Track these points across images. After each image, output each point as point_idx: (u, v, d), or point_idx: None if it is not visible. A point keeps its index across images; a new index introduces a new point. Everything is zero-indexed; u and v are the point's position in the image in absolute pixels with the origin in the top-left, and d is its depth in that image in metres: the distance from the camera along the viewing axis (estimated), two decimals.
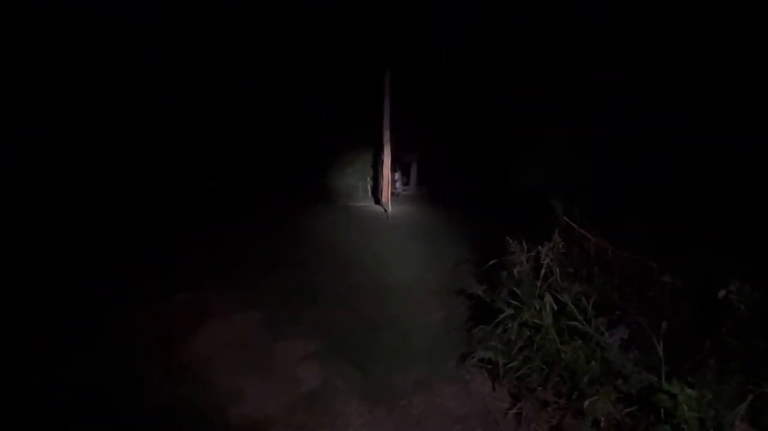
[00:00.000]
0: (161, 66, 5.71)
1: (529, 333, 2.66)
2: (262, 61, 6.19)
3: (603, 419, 2.22)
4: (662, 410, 2.06)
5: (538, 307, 2.66)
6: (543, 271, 2.75)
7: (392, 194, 6.12)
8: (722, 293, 2.31)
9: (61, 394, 2.39)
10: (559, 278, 2.70)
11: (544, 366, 2.54)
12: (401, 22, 5.61)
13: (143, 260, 4.10)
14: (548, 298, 2.61)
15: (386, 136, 5.97)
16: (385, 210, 6.02)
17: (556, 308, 2.59)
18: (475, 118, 6.11)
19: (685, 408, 1.98)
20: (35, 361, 2.66)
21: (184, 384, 2.52)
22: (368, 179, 6.84)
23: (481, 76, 5.96)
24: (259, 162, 6.56)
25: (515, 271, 2.95)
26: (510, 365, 2.60)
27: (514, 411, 2.44)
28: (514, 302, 2.80)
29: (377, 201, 6.30)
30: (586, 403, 2.24)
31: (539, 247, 2.87)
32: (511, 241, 3.09)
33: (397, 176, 6.51)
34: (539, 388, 2.49)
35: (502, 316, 2.77)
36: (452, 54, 6.07)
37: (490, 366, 2.71)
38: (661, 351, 2.22)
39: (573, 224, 3.20)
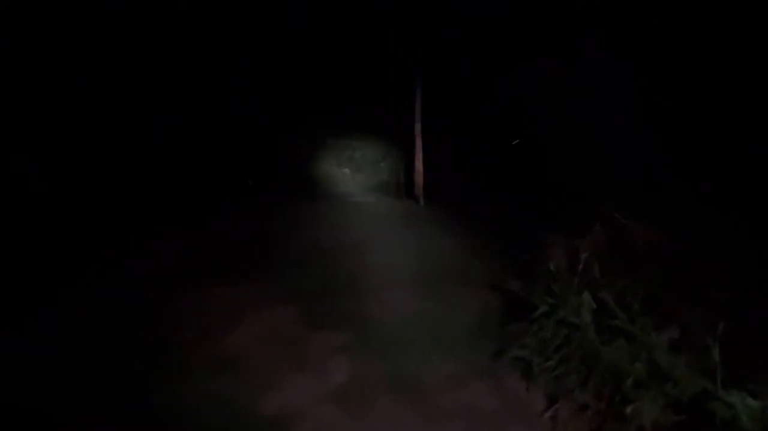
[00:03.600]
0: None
1: (566, 332, 2.51)
2: (293, 56, 6.22)
3: (649, 426, 2.06)
4: (718, 420, 1.87)
5: (576, 304, 2.51)
6: (581, 266, 2.58)
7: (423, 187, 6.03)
8: None
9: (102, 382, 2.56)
10: (598, 274, 2.52)
11: (582, 367, 2.39)
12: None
13: (184, 252, 4.34)
14: (586, 295, 2.45)
15: (417, 128, 5.89)
16: (418, 203, 5.96)
17: (595, 306, 2.42)
18: (495, 106, 5.90)
19: (746, 420, 1.78)
20: (73, 353, 2.82)
21: (223, 374, 2.63)
22: (401, 173, 6.80)
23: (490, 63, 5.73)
24: (293, 160, 6.71)
25: (552, 266, 2.81)
26: (545, 364, 2.48)
27: (550, 413, 2.32)
28: (550, 298, 2.66)
29: (409, 195, 6.25)
30: (629, 408, 2.08)
31: (577, 240, 2.70)
32: (546, 234, 2.94)
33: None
34: (577, 390, 2.35)
35: (537, 313, 2.64)
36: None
37: (524, 365, 2.60)
38: (718, 355, 2.02)
39: (616, 215, 2.98)
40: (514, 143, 5.64)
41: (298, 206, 5.85)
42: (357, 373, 2.61)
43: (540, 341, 2.58)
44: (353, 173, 6.96)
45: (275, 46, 6.07)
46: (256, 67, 6.09)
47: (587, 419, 2.24)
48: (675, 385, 2.05)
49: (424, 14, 5.47)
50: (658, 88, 3.88)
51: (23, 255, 4.09)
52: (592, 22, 4.55)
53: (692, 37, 3.65)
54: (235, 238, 4.88)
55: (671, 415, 2.06)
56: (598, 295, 2.51)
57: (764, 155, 2.96)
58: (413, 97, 5.80)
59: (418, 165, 5.94)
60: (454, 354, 2.79)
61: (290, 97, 6.34)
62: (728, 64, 3.42)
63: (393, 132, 6.42)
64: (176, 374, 2.60)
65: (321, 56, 6.09)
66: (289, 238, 4.81)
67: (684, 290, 2.48)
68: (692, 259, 2.63)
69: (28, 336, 3.00)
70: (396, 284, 3.75)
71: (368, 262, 4.22)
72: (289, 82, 6.25)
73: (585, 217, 3.21)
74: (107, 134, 5.48)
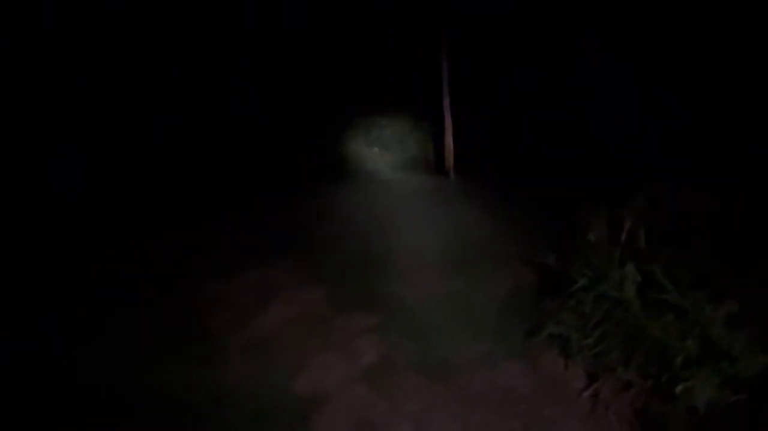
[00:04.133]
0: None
1: (607, 307, 2.34)
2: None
3: (702, 406, 1.88)
4: None
5: (618, 277, 2.32)
6: (624, 235, 2.37)
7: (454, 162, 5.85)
8: None
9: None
10: (643, 244, 2.30)
11: (625, 344, 2.22)
12: None
13: (214, 238, 4.49)
14: (630, 267, 2.25)
15: (446, 103, 5.66)
16: (449, 178, 5.80)
17: (640, 278, 2.22)
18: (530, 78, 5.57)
19: None
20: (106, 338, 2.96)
21: (254, 356, 2.71)
22: (430, 148, 6.62)
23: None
24: (322, 141, 6.70)
25: (591, 237, 2.61)
26: (585, 341, 2.33)
27: (590, 392, 2.19)
28: (589, 272, 2.48)
29: (440, 170, 6.08)
30: (680, 387, 1.92)
31: (619, 210, 2.48)
32: (583, 206, 2.73)
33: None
34: (620, 367, 2.20)
35: (575, 287, 2.48)
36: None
37: (561, 343, 2.46)
38: None
39: (663, 180, 2.70)
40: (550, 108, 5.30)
41: (326, 188, 5.87)
42: (386, 354, 2.60)
43: (578, 316, 2.43)
44: (382, 152, 6.86)
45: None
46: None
47: (631, 398, 2.10)
48: (733, 363, 1.86)
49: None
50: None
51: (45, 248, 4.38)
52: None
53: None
54: (266, 222, 4.98)
55: (729, 394, 1.87)
56: (643, 267, 2.30)
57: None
58: (438, 75, 5.58)
59: (448, 140, 5.75)
60: (485, 333, 2.70)
61: (304, 86, 6.32)
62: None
63: (421, 108, 6.23)
64: (209, 357, 2.71)
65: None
66: (318, 219, 4.83)
67: (739, 262, 2.21)
68: (746, 230, 2.33)
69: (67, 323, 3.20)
70: (425, 263, 3.68)
71: (397, 242, 4.17)
72: (300, 76, 6.21)
73: (625, 188, 2.96)
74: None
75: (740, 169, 3.00)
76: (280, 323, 3.01)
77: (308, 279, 3.55)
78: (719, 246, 2.55)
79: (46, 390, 2.50)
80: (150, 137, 5.75)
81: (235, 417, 2.28)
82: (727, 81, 3.29)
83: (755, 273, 2.30)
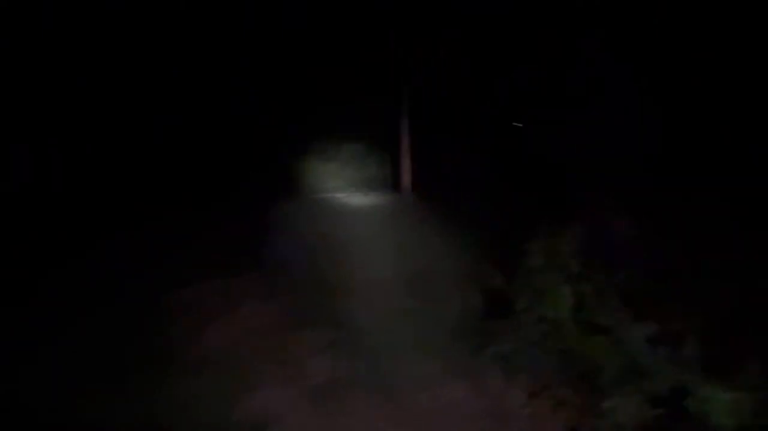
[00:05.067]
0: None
1: (545, 328, 2.48)
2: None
3: (626, 421, 2.03)
4: (694, 414, 1.85)
5: (555, 299, 2.47)
6: (560, 260, 2.55)
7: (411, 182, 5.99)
8: None
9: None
10: (577, 267, 2.48)
11: (561, 363, 2.36)
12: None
13: (166, 251, 4.26)
14: (566, 289, 2.41)
15: (404, 124, 5.82)
16: (406, 198, 5.92)
17: (573, 300, 2.39)
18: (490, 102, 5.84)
19: (721, 414, 1.75)
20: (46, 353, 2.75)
21: (199, 375, 2.57)
22: (389, 167, 6.74)
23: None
24: (280, 156, 6.62)
25: (532, 260, 2.77)
26: (524, 360, 2.44)
27: (529, 409, 2.29)
28: (530, 293, 2.63)
29: (398, 189, 6.20)
30: (606, 404, 2.06)
31: (559, 233, 2.66)
32: (531, 228, 2.90)
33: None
34: (555, 385, 2.32)
35: (516, 309, 2.60)
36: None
37: (504, 361, 2.56)
38: (696, 349, 1.99)
39: (597, 207, 2.94)
40: (505, 132, 5.57)
41: (283, 203, 5.78)
42: (336, 374, 2.57)
43: (519, 337, 2.54)
44: (341, 168, 6.89)
45: (275, 46, 6.02)
46: (256, 67, 6.03)
47: (566, 414, 2.21)
48: (652, 380, 2.02)
49: (424, 14, 5.40)
50: (659, 87, 3.83)
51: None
52: (592, 22, 4.47)
53: (692, 38, 3.62)
54: (219, 236, 4.79)
55: (648, 410, 2.03)
56: (577, 289, 2.48)
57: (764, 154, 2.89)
58: (402, 94, 5.74)
59: (405, 161, 5.89)
60: (434, 352, 2.75)
61: (284, 97, 6.27)
62: (728, 65, 3.39)
63: (382, 128, 6.36)
64: (150, 379, 2.53)
65: (321, 56, 6.03)
66: (273, 235, 4.73)
67: (664, 285, 2.44)
68: (674, 254, 2.59)
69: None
70: (380, 282, 3.69)
71: (353, 260, 4.16)
72: (283, 83, 6.17)
73: (570, 212, 3.18)
74: (106, 133, 5.34)
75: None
76: (229, 342, 2.89)
77: (261, 296, 3.44)
78: (646, 271, 2.77)
79: None
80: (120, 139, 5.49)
81: None
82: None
83: (676, 296, 2.54)
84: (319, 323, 3.07)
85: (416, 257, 4.16)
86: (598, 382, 2.15)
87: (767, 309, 2.06)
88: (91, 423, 2.24)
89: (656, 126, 3.81)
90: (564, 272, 2.53)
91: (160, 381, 2.50)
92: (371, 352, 2.77)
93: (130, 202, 5.23)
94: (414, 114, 5.78)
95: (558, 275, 2.54)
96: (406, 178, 5.85)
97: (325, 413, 2.30)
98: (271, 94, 6.22)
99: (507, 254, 3.35)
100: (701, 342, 2.05)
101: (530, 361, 2.42)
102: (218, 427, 2.21)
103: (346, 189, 6.53)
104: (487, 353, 2.57)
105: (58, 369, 2.58)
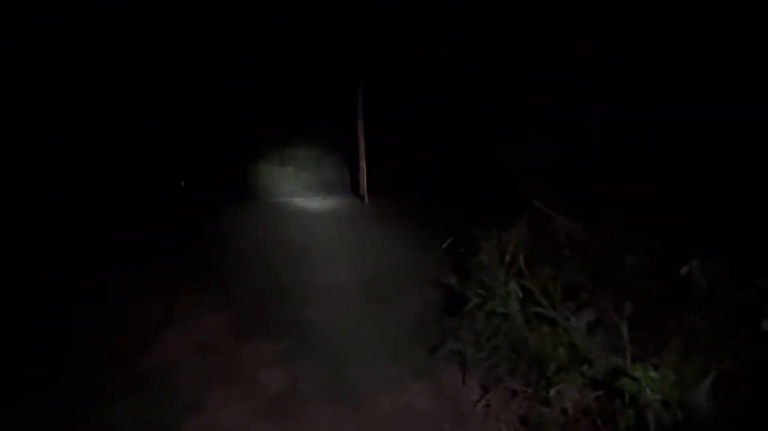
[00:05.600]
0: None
1: (496, 322, 2.60)
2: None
3: (570, 406, 2.18)
4: (626, 394, 2.02)
5: (504, 294, 2.60)
6: (508, 257, 2.68)
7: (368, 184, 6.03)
8: (685, 269, 2.26)
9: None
10: (523, 264, 2.63)
11: (512, 355, 2.49)
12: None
13: (114, 260, 4.01)
14: (513, 285, 2.55)
15: (360, 126, 5.86)
16: (363, 201, 5.95)
17: (521, 295, 2.53)
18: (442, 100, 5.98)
19: (648, 391, 1.93)
20: None
21: (145, 392, 2.43)
22: (346, 170, 6.74)
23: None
24: (234, 159, 6.42)
25: (483, 258, 2.89)
26: (478, 356, 2.55)
27: (483, 403, 2.39)
28: (481, 290, 2.74)
29: (355, 192, 6.21)
30: (552, 391, 2.20)
31: (505, 233, 2.80)
32: (479, 227, 3.03)
33: None
34: (508, 378, 2.44)
35: (469, 305, 2.71)
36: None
37: (460, 358, 2.66)
38: (626, 333, 2.18)
39: (542, 207, 3.13)
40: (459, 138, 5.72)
41: (238, 208, 5.60)
42: (292, 383, 2.54)
43: (473, 332, 2.65)
44: (297, 171, 6.80)
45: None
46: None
47: (516, 405, 2.34)
48: (591, 366, 2.19)
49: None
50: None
51: None
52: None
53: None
54: (170, 243, 4.58)
55: (589, 393, 2.19)
56: (524, 284, 2.62)
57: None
58: (356, 94, 5.76)
59: (362, 163, 5.92)
60: (392, 354, 2.79)
61: (230, 93, 6.10)
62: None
63: (338, 130, 6.34)
64: (91, 395, 2.38)
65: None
66: (227, 242, 4.59)
67: (600, 277, 2.65)
68: (609, 249, 2.81)
69: None
70: (337, 286, 3.70)
71: (310, 264, 4.13)
72: (229, 80, 6.00)
73: (519, 211, 3.34)
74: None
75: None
76: (176, 355, 2.76)
77: (212, 305, 3.33)
78: (584, 265, 2.98)
79: None
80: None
81: None
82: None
83: (610, 286, 2.76)
84: (274, 332, 3.02)
85: (374, 260, 4.20)
86: (546, 372, 2.29)
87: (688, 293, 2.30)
88: None
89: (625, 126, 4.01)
90: (512, 269, 2.67)
91: (97, 400, 2.35)
92: (329, 358, 2.76)
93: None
94: (372, 116, 5.83)
95: (506, 272, 2.67)
96: (363, 181, 5.89)
97: (283, 424, 2.26)
98: (219, 93, 6.07)
99: (462, 253, 3.48)
100: (632, 327, 2.23)
101: (484, 356, 2.53)
102: None
103: (302, 193, 6.46)
104: (443, 351, 2.64)
105: None
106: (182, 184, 5.91)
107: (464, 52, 5.61)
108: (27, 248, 4.19)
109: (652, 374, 1.97)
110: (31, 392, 2.42)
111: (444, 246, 3.13)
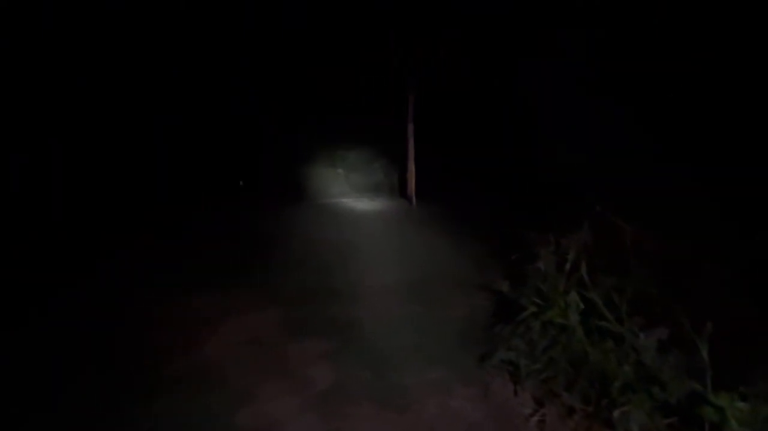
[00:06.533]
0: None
1: (554, 333, 2.45)
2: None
3: (637, 430, 1.99)
4: (707, 424, 1.80)
5: (563, 305, 2.44)
6: (568, 265, 2.51)
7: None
8: None
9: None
10: (585, 273, 2.45)
11: (570, 369, 2.32)
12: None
13: (169, 257, 4.30)
14: (573, 295, 2.38)
15: (410, 129, 5.84)
16: (411, 204, 5.92)
17: (582, 306, 2.35)
18: (492, 107, 5.80)
19: (735, 424, 1.71)
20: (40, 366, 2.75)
21: (200, 385, 2.56)
22: (394, 173, 6.75)
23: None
24: (287, 160, 6.66)
25: (540, 266, 2.74)
26: (533, 367, 2.41)
27: (537, 417, 2.25)
28: (538, 299, 2.60)
29: (403, 195, 6.20)
30: (616, 412, 2.02)
31: (565, 239, 2.63)
32: (538, 233, 2.88)
33: None
34: (565, 393, 2.28)
35: (524, 314, 2.57)
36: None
37: (512, 368, 2.53)
38: (707, 356, 1.95)
39: (604, 212, 2.90)
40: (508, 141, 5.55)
41: (289, 208, 5.80)
42: (339, 381, 2.55)
43: (528, 343, 2.51)
44: (347, 173, 6.92)
45: (275, 46, 6.04)
46: (257, 67, 6.07)
47: (575, 423, 2.18)
48: (663, 388, 1.98)
49: (424, 14, 5.40)
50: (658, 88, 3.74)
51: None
52: (591, 21, 4.41)
53: (692, 37, 3.53)
54: (223, 241, 4.84)
55: (660, 419, 1.98)
56: (586, 295, 2.44)
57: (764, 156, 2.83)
58: (407, 98, 5.76)
59: (411, 166, 5.90)
60: (440, 358, 2.72)
61: (289, 97, 6.31)
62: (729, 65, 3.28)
63: (387, 133, 6.38)
64: (150, 386, 2.53)
65: (321, 56, 6.05)
66: (278, 240, 4.76)
67: (673, 290, 2.40)
68: (682, 259, 2.55)
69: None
70: (385, 287, 3.69)
71: (357, 265, 4.17)
72: (288, 83, 6.21)
73: (576, 216, 3.15)
74: (106, 133, 5.47)
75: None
76: (230, 349, 2.88)
77: (263, 302, 3.45)
78: (654, 276, 2.73)
79: None
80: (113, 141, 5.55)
81: None
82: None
83: (686, 301, 2.50)
84: (322, 330, 3.06)
85: (421, 262, 4.16)
86: (608, 390, 2.11)
87: None
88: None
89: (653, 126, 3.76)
90: (573, 277, 2.50)
91: (156, 392, 2.48)
92: (377, 359, 2.75)
93: (129, 207, 5.32)
94: (420, 119, 5.79)
95: (566, 281, 2.51)
96: (412, 183, 5.86)
97: (330, 421, 2.28)
98: (274, 97, 6.30)
99: (513, 259, 3.32)
100: (712, 349, 2.00)
101: (539, 368, 2.39)
102: None
103: (352, 194, 6.55)
104: (494, 359, 2.53)
105: (48, 378, 2.59)
106: (240, 183, 6.23)
107: (496, 49, 5.45)
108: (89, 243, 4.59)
109: (740, 404, 1.74)
110: (89, 382, 2.58)
111: (513, 258, 3.00)
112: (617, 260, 2.74)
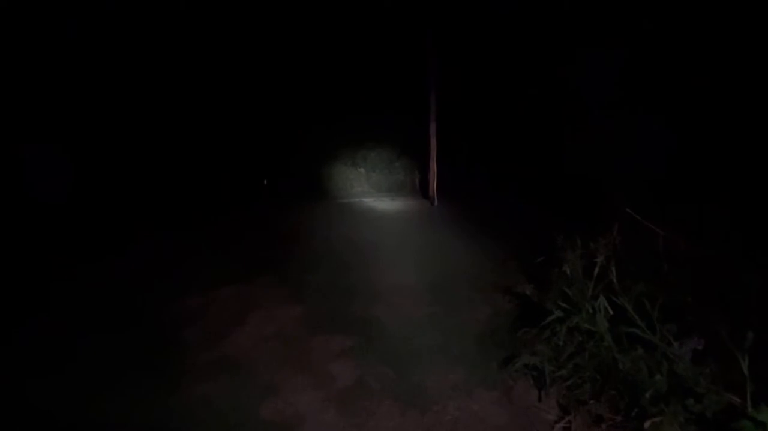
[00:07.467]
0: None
1: (580, 339, 2.38)
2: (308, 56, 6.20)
3: None
4: None
5: (591, 310, 2.37)
6: (597, 270, 2.44)
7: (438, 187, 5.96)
8: None
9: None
10: (615, 278, 2.37)
11: (597, 377, 2.25)
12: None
13: (194, 252, 4.42)
14: (602, 300, 2.31)
15: (432, 129, 5.81)
16: (432, 204, 5.88)
17: (611, 312, 2.28)
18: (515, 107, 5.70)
19: None
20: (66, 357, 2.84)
21: (224, 377, 2.61)
22: (416, 172, 6.72)
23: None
24: (308, 159, 6.73)
25: (566, 269, 2.67)
26: (558, 373, 2.35)
27: (562, 424, 2.20)
28: (564, 304, 2.53)
29: (425, 195, 6.17)
30: (647, 423, 1.94)
31: (593, 242, 2.55)
32: (563, 235, 2.80)
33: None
34: (592, 401, 2.22)
35: (549, 319, 2.51)
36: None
37: (536, 373, 2.48)
38: (746, 367, 1.85)
39: (635, 215, 2.81)
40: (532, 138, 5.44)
41: (310, 207, 5.87)
42: (361, 378, 2.56)
43: (553, 348, 2.45)
44: (368, 173, 6.94)
45: (284, 48, 6.11)
46: (281, 68, 6.16)
47: None
48: (698, 400, 1.89)
49: (461, 16, 5.38)
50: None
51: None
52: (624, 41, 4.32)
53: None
54: (247, 238, 4.94)
55: None
56: (615, 301, 2.36)
57: None
58: (428, 98, 5.73)
59: (433, 165, 5.87)
60: (461, 360, 2.70)
61: (312, 96, 6.38)
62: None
63: (409, 132, 6.36)
64: (176, 377, 2.60)
65: (347, 55, 6.09)
66: (300, 238, 4.82)
67: (708, 297, 2.30)
68: (718, 264, 2.43)
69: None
70: (406, 287, 3.69)
71: (378, 263, 4.18)
72: (311, 81, 6.27)
73: (603, 218, 3.06)
74: (109, 133, 5.67)
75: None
76: (254, 343, 2.94)
77: (286, 298, 3.51)
78: (688, 282, 2.63)
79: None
80: (145, 139, 5.73)
81: None
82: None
83: (723, 309, 2.39)
84: (344, 328, 3.08)
85: (442, 262, 4.13)
86: (638, 400, 2.03)
87: None
88: (117, 423, 2.30)
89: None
90: (601, 282, 2.43)
91: (184, 381, 2.56)
92: (398, 358, 2.75)
93: (149, 204, 5.48)
94: (442, 120, 5.75)
95: (594, 285, 2.44)
96: (433, 183, 5.83)
97: (351, 417, 2.29)
98: (298, 97, 6.36)
99: (538, 262, 3.25)
100: (752, 361, 1.90)
101: (564, 374, 2.33)
102: (247, 425, 2.24)
103: (373, 194, 6.57)
104: (517, 363, 2.48)
105: (79, 373, 2.68)
106: (264, 182, 6.35)
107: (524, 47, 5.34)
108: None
109: None
110: (118, 374, 2.67)
111: (538, 261, 2.94)
112: (648, 265, 2.64)
